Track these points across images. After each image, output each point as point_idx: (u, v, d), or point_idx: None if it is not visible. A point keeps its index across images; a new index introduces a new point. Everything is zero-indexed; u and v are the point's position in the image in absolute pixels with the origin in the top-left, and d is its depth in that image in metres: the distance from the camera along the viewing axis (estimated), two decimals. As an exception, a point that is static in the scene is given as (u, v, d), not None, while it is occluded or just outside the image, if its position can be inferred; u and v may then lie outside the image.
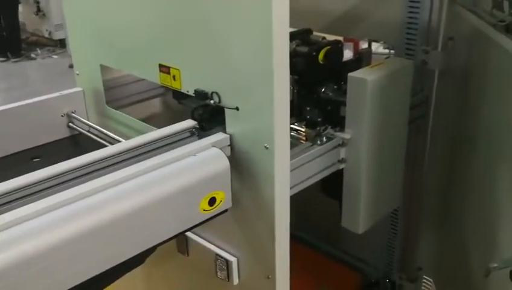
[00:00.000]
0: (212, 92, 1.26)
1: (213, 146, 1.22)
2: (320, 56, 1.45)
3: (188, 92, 1.34)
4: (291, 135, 1.49)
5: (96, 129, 1.54)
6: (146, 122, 1.59)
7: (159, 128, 1.33)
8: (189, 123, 1.33)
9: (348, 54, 1.61)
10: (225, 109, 1.25)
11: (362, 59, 1.59)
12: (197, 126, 1.33)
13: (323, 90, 1.48)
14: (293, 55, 1.46)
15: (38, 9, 6.27)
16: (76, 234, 0.96)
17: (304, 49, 1.46)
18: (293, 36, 1.54)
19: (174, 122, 1.33)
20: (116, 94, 1.70)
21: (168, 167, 1.13)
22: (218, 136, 1.26)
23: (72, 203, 0.99)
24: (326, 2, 1.87)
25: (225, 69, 1.22)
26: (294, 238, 2.08)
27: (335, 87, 1.50)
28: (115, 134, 1.52)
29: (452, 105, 1.65)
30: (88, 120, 1.62)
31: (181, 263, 1.51)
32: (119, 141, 1.43)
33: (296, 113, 1.46)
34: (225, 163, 1.19)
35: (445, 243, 1.75)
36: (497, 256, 1.27)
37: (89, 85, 1.64)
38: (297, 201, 1.34)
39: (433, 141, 1.72)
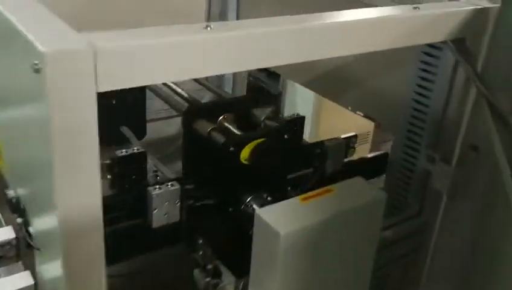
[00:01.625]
0: (21, 204, 0.76)
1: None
2: (244, 153, 0.91)
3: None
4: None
5: None
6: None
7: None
8: (7, 234, 0.84)
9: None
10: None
11: (326, 157, 1.02)
12: (15, 242, 0.83)
13: (246, 203, 0.94)
14: (206, 143, 0.93)
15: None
16: None
17: (220, 138, 0.91)
18: (224, 106, 1.00)
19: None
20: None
21: None
22: (15, 284, 0.76)
23: None
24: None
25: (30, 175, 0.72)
26: None
27: (268, 199, 0.95)
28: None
29: (461, 240, 1.06)
30: None
31: None
32: None
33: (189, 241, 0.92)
34: None
35: None
36: None
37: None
38: None
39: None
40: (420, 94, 1.03)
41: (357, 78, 1.19)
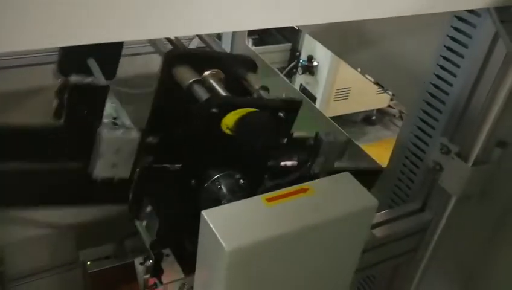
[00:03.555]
0: None
1: None
2: (228, 120, 0.72)
3: None
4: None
5: None
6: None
7: None
8: None
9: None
10: None
11: (317, 153, 0.83)
12: None
13: (214, 179, 0.77)
14: (185, 95, 0.74)
15: None
16: None
17: (202, 93, 0.73)
18: (214, 60, 0.80)
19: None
20: None
21: None
22: None
23: None
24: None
25: None
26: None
27: (240, 181, 0.77)
28: None
29: (468, 248, 0.89)
30: None
31: None
32: None
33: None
34: None
35: None
36: None
37: None
38: None
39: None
40: (444, 68, 0.82)
41: (370, 36, 0.98)
